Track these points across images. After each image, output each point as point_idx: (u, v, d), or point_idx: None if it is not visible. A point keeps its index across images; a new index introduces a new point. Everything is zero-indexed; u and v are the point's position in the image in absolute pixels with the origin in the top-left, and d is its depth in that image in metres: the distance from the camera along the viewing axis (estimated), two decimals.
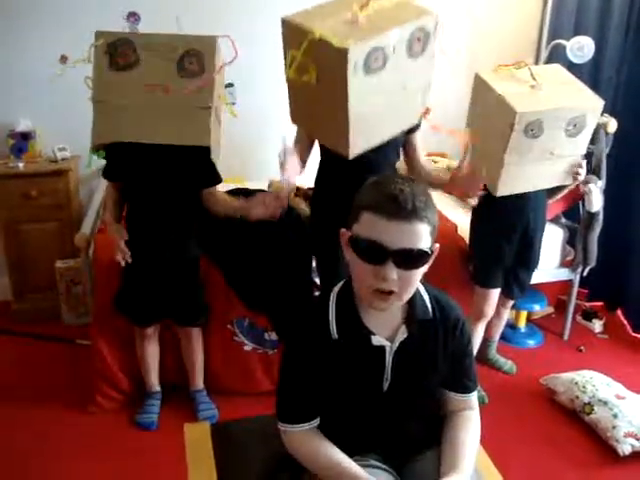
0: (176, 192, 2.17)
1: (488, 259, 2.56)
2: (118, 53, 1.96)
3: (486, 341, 2.86)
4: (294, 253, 2.53)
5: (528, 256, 2.58)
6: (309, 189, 3.11)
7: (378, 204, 1.11)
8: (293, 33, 1.78)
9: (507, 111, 2.14)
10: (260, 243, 2.51)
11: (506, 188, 2.29)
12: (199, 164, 2.15)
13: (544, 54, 3.54)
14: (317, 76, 1.75)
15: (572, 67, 3.38)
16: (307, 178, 3.27)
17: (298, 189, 3.03)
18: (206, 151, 2.08)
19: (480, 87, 2.32)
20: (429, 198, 1.15)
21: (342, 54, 1.62)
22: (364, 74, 1.68)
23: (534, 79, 2.25)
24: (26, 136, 3.14)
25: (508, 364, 2.88)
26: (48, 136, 3.21)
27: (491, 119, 2.26)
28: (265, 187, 3.04)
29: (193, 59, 1.97)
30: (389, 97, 1.82)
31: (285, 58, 1.82)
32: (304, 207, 2.91)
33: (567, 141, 2.25)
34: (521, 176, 2.29)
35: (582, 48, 3.08)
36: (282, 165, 1.92)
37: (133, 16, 3.20)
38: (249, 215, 2.08)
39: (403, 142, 2.22)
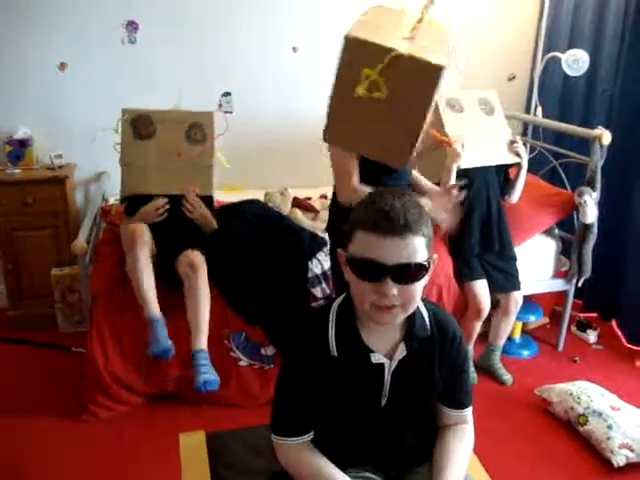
0: (180, 227, 2.55)
1: (463, 252, 2.74)
2: (140, 125, 2.56)
3: (490, 346, 2.90)
4: (289, 263, 2.54)
5: (490, 239, 2.74)
6: (305, 199, 3.14)
7: (371, 222, 1.11)
8: (364, 51, 1.76)
9: None
10: (255, 253, 2.51)
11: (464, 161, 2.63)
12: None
13: (540, 66, 3.57)
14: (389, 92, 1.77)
15: (567, 79, 3.43)
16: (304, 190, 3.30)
17: (295, 199, 3.04)
18: (205, 200, 2.58)
19: None
20: (422, 210, 1.15)
21: (437, 70, 1.68)
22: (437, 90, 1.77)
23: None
24: (23, 143, 3.14)
25: (507, 375, 2.88)
26: (44, 143, 3.22)
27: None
28: (261, 197, 3.05)
29: (197, 130, 2.59)
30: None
31: (344, 76, 1.80)
32: (300, 217, 2.92)
33: (490, 119, 2.79)
34: (469, 149, 2.63)
35: (577, 61, 3.12)
36: None
37: (131, 24, 3.22)
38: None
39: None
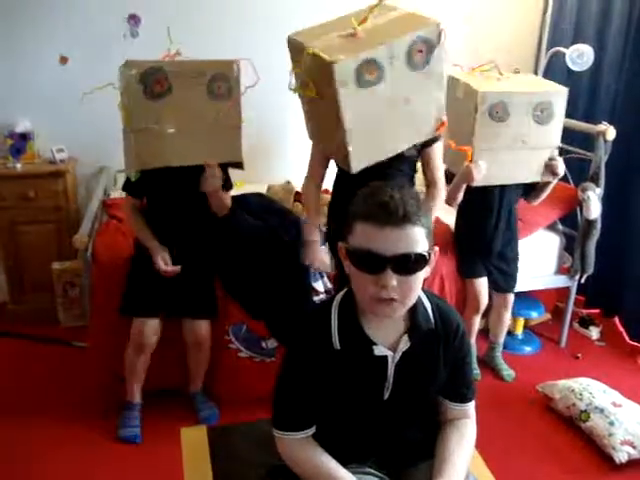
0: (194, 200, 2.27)
1: (467, 250, 2.71)
2: (151, 82, 2.04)
3: (491, 344, 2.93)
4: (292, 257, 2.53)
5: (490, 247, 2.67)
6: None
7: (369, 213, 1.12)
8: (295, 50, 1.82)
9: (471, 94, 2.28)
10: (259, 246, 2.50)
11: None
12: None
13: (543, 61, 3.55)
14: (317, 91, 1.77)
15: (571, 74, 3.42)
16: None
17: (297, 193, 3.03)
18: (234, 167, 2.31)
19: (450, 85, 2.37)
20: (420, 202, 1.15)
21: (330, 67, 1.65)
22: (357, 87, 1.69)
23: (500, 74, 2.43)
24: (25, 137, 3.13)
25: (508, 371, 2.87)
26: (46, 137, 3.21)
27: (460, 109, 2.35)
28: (264, 190, 3.04)
29: (221, 82, 2.14)
30: (391, 111, 1.81)
31: (295, 76, 1.86)
32: (302, 211, 2.91)
33: (536, 128, 2.33)
34: (495, 165, 2.35)
35: (581, 56, 3.10)
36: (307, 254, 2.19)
37: (133, 18, 3.21)
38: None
39: (419, 156, 2.16)
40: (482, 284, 2.71)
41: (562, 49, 3.21)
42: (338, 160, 1.96)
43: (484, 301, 2.73)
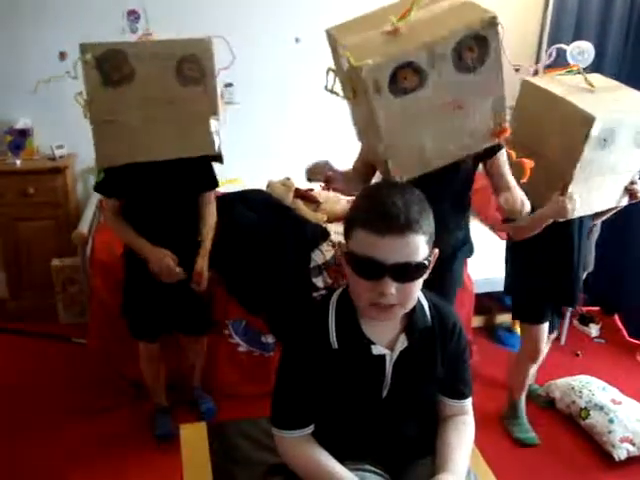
0: (177, 199, 2.07)
1: (535, 293, 2.29)
2: (110, 66, 1.81)
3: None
4: (292, 253, 2.53)
5: (567, 289, 2.34)
6: (308, 190, 3.12)
7: (370, 220, 1.09)
8: (332, 47, 1.66)
9: (573, 116, 1.90)
10: (259, 241, 2.51)
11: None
12: (198, 169, 2.08)
13: (544, 58, 3.54)
14: (354, 94, 1.57)
15: (571, 71, 3.40)
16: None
17: (297, 190, 3.03)
18: (204, 156, 2.03)
19: (531, 95, 2.13)
20: (424, 206, 1.13)
21: (359, 73, 1.45)
22: (392, 95, 1.49)
23: (590, 84, 2.07)
24: (24, 133, 3.12)
25: (541, 398, 2.67)
26: (46, 134, 3.21)
27: (550, 128, 2.02)
28: (264, 187, 3.03)
29: (192, 65, 1.89)
30: (438, 118, 1.59)
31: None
32: (302, 208, 2.91)
33: (632, 153, 2.02)
34: (586, 195, 2.00)
35: (582, 53, 3.08)
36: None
37: (133, 14, 3.20)
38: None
39: (475, 168, 1.93)
40: (545, 331, 2.35)
41: (563, 46, 3.20)
42: (380, 170, 1.75)
43: (544, 350, 2.41)
